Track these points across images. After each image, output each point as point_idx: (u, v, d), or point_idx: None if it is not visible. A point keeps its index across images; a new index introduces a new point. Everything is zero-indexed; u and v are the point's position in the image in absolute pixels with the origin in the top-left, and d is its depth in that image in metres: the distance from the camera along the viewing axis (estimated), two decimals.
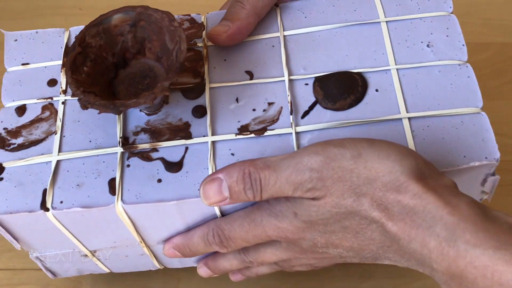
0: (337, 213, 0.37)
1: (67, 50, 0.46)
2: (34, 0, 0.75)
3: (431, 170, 0.37)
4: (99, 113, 0.39)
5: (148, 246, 0.46)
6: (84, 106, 0.39)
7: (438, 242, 0.35)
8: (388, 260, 0.40)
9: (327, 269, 0.52)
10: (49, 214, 0.41)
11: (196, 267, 0.48)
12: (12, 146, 0.43)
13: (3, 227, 0.42)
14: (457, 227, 0.35)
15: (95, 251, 0.46)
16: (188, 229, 0.44)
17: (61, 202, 0.41)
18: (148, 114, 0.44)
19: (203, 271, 0.48)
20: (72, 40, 0.46)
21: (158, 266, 0.50)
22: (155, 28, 0.42)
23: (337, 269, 0.53)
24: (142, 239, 0.45)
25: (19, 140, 0.44)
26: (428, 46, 0.45)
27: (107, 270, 0.50)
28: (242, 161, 0.39)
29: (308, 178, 0.37)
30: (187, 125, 0.43)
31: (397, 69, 0.44)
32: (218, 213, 0.42)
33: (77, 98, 0.39)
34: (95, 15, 0.43)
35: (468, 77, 0.43)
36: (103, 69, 0.42)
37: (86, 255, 0.47)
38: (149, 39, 0.42)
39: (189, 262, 0.49)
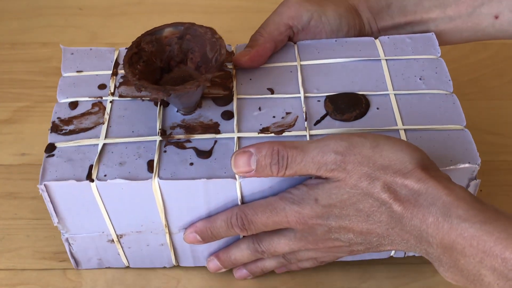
0: (354, 195, 0.44)
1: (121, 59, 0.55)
2: (34, 0, 0.78)
3: (433, 165, 0.45)
4: (150, 97, 0.46)
5: (170, 233, 0.51)
6: (139, 89, 0.46)
7: (436, 218, 0.42)
8: (390, 245, 0.46)
9: (327, 269, 0.55)
10: (93, 184, 0.47)
11: (197, 269, 0.52)
12: (64, 131, 0.50)
13: (49, 195, 0.48)
14: (452, 205, 0.42)
15: (121, 236, 0.52)
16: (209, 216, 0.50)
17: (105, 175, 0.47)
18: (183, 114, 0.51)
19: (212, 264, 0.53)
20: (122, 56, 0.55)
21: (173, 261, 0.55)
22: (199, 41, 0.50)
23: (337, 269, 0.55)
24: (167, 223, 0.50)
25: (71, 127, 0.51)
26: (420, 79, 0.54)
27: (126, 264, 0.55)
28: (272, 140, 0.46)
29: (333, 159, 0.44)
30: (217, 124, 0.51)
31: (394, 94, 0.53)
32: (239, 197, 0.48)
33: (134, 84, 0.46)
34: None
35: (454, 103, 0.52)
36: (152, 71, 0.50)
37: (112, 240, 0.52)
38: (192, 50, 0.51)
39: (202, 259, 0.54)
